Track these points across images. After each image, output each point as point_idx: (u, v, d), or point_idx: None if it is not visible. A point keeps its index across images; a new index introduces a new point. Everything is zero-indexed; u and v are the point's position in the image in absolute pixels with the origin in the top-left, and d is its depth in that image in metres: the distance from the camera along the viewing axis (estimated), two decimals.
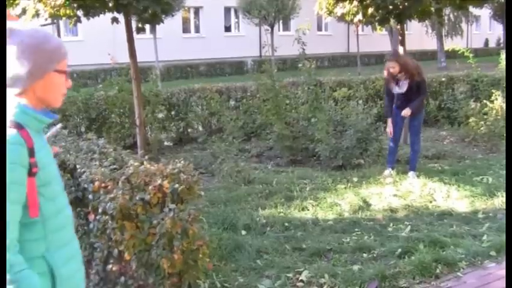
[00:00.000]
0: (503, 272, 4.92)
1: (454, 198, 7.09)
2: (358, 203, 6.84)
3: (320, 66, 15.30)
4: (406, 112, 8.08)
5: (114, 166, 3.95)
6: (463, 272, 4.91)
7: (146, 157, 4.62)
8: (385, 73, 8.40)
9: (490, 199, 6.97)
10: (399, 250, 5.30)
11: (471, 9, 17.72)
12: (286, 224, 6.18)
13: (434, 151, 9.80)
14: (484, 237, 5.66)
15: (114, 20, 8.32)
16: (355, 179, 7.95)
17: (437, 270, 4.91)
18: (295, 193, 7.35)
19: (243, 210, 6.62)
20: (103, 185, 3.71)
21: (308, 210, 6.69)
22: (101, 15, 8.21)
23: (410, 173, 8.19)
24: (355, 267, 4.93)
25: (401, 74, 8.10)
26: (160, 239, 3.37)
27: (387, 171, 8.26)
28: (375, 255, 5.29)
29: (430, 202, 6.92)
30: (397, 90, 8.18)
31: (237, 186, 7.79)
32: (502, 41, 50.41)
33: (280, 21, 34.68)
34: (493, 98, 10.90)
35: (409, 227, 6.03)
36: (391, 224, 6.20)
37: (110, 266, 3.81)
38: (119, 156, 4.23)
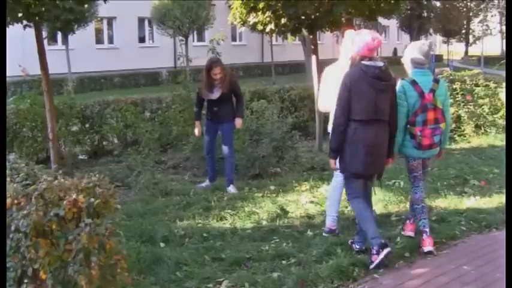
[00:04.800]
0: (417, 271, 5.13)
1: None
2: (275, 210, 6.92)
3: (235, 76, 15.39)
4: (239, 122, 8.25)
5: (27, 182, 3.85)
6: (379, 274, 5.05)
7: (60, 171, 4.51)
8: (204, 76, 8.22)
9: (402, 202, 7.21)
10: (317, 255, 5.40)
11: (380, 20, 18.29)
12: (205, 235, 6.16)
13: None
14: (398, 239, 5.84)
15: (27, 26, 8.10)
16: (272, 187, 8.05)
17: (355, 273, 5.04)
18: (213, 203, 7.35)
19: (161, 222, 6.57)
20: (15, 201, 3.60)
21: (226, 219, 6.70)
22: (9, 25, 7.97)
23: (230, 187, 8.22)
24: (275, 275, 4.98)
25: (220, 80, 8.08)
26: (77, 255, 3.30)
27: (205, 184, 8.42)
28: (293, 261, 5.37)
29: (346, 207, 7.06)
30: (211, 96, 8.16)
31: (154, 199, 7.71)
32: None
33: (195, 32, 34.70)
34: None
35: None
36: (309, 230, 6.29)
37: (24, 286, 3.69)
38: (31, 172, 4.12)
